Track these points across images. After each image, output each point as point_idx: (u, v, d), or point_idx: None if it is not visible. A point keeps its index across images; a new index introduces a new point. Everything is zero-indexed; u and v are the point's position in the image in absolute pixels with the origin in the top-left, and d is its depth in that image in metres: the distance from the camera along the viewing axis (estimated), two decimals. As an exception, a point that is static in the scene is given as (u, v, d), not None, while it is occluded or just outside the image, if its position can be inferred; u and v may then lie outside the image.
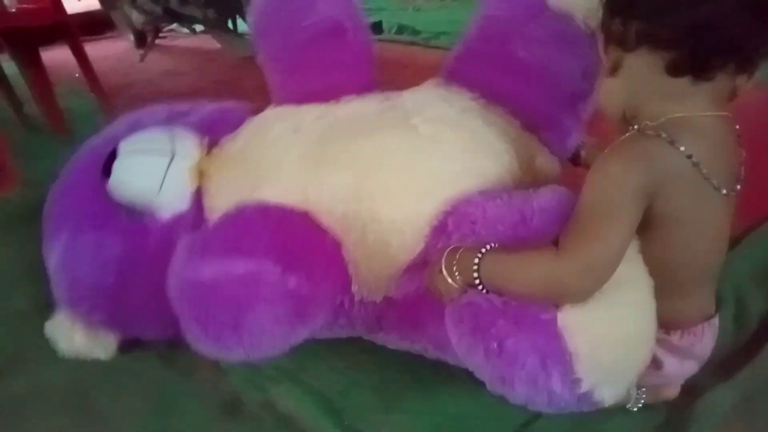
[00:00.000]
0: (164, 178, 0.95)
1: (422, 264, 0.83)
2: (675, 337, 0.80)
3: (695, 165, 0.69)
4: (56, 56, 2.41)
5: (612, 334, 0.67)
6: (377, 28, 3.51)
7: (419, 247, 0.83)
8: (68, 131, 2.09)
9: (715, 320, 0.84)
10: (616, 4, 0.71)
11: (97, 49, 2.61)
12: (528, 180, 0.93)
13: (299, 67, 0.99)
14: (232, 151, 1.00)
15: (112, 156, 0.96)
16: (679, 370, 0.83)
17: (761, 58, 0.68)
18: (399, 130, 0.90)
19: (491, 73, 0.97)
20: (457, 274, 0.74)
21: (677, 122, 0.70)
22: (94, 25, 3.89)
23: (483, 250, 0.72)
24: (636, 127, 0.71)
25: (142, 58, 3.45)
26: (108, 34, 4.12)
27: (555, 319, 0.66)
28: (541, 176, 0.98)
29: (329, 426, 0.87)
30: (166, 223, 0.96)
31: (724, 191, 0.71)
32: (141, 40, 3.69)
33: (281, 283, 0.75)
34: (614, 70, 0.72)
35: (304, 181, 0.89)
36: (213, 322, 0.75)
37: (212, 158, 1.00)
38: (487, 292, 0.72)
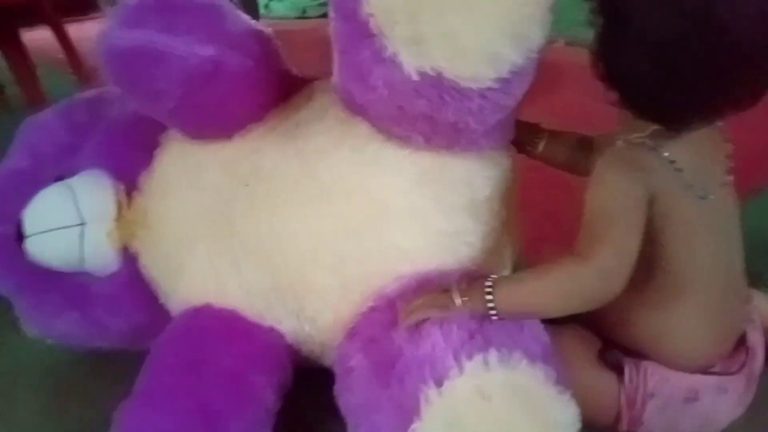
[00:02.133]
0: (82, 250, 0.83)
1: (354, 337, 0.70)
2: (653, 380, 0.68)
3: (678, 171, 0.64)
4: (39, 37, 2.25)
5: None
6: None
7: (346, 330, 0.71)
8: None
9: (730, 380, 0.69)
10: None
11: (80, 30, 2.58)
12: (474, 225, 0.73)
13: (181, 120, 0.78)
14: (151, 207, 0.83)
15: (20, 227, 0.84)
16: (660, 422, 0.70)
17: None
18: (307, 203, 0.71)
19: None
20: (467, 299, 0.64)
21: (661, 132, 0.64)
22: (77, 5, 3.85)
23: (489, 282, 0.65)
24: (620, 141, 0.67)
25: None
26: (92, 15, 4.08)
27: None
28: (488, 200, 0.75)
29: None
30: (103, 280, 0.87)
31: (711, 197, 0.66)
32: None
33: None
34: None
35: (223, 274, 0.76)
36: None
37: (135, 211, 0.84)
38: (499, 319, 0.64)
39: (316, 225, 0.71)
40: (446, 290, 0.65)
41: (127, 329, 0.89)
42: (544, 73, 0.68)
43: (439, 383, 0.57)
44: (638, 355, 0.70)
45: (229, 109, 0.76)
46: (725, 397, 0.69)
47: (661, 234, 0.65)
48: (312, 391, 0.82)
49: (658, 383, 0.68)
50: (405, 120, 0.65)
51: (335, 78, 0.70)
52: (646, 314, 0.68)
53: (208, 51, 0.69)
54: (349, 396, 0.65)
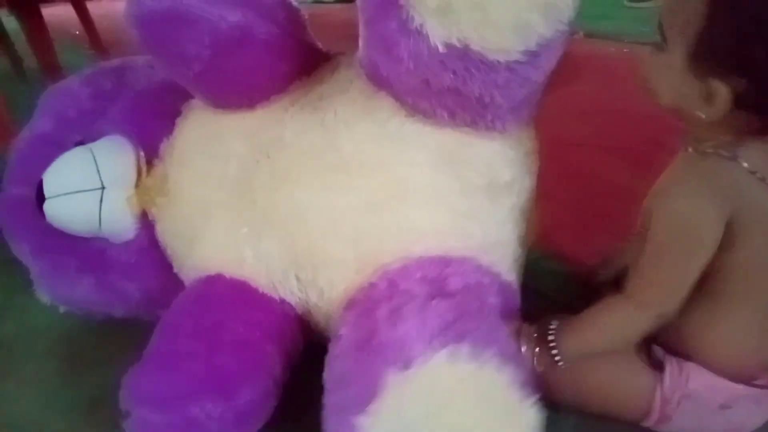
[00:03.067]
0: (100, 215, 0.84)
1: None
2: (695, 382, 0.66)
3: (762, 180, 0.60)
4: (57, 13, 2.27)
5: None
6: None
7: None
8: (67, 87, 2.14)
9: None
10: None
11: (97, 8, 2.61)
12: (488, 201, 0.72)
13: (208, 85, 0.77)
14: (170, 175, 0.84)
15: (41, 189, 0.84)
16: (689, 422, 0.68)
17: None
18: (329, 174, 0.71)
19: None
20: (534, 347, 0.67)
21: (732, 140, 0.60)
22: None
23: (552, 335, 0.66)
24: (690, 149, 0.63)
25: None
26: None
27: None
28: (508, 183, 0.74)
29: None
30: (119, 246, 0.88)
31: None
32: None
33: (226, 413, 0.68)
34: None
35: (241, 243, 0.75)
36: None
37: (155, 178, 0.85)
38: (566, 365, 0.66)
39: (337, 197, 0.70)
40: (518, 333, 0.67)
41: (142, 296, 0.90)
42: (563, 63, 0.68)
43: (404, 367, 0.57)
44: (682, 354, 0.68)
45: (255, 77, 0.75)
46: (757, 409, 0.68)
47: (738, 241, 0.61)
48: (315, 367, 0.84)
49: (700, 387, 0.66)
50: (431, 94, 0.64)
51: (361, 51, 0.70)
52: (700, 319, 0.66)
53: (237, 16, 0.68)
54: (332, 364, 0.65)
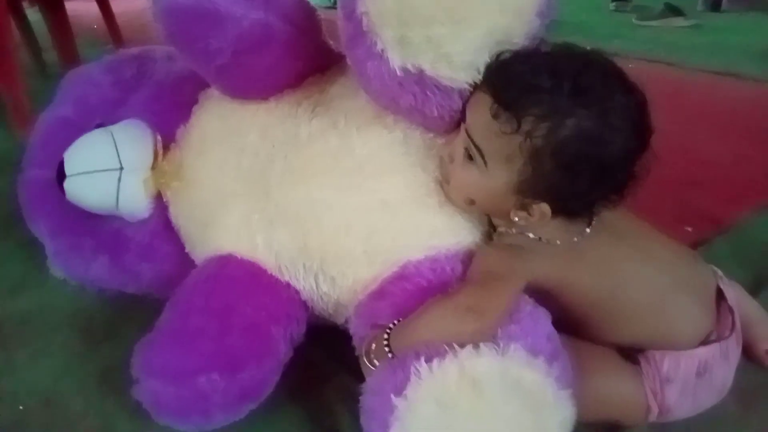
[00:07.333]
0: (117, 194, 0.88)
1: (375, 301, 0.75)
2: (665, 365, 0.72)
3: (548, 242, 0.71)
4: (77, 8, 2.33)
5: None
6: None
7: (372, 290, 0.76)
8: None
9: (727, 342, 0.73)
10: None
11: (115, 5, 2.70)
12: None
13: (227, 78, 0.81)
14: (186, 161, 0.88)
15: (62, 167, 0.89)
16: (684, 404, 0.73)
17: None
18: (344, 175, 0.76)
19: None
20: (374, 357, 0.69)
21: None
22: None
23: (390, 327, 0.69)
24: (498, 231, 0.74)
25: (160, 17, 3.63)
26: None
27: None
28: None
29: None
30: (135, 226, 0.92)
31: (575, 239, 0.72)
32: None
33: (231, 386, 0.71)
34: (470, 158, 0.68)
35: (253, 230, 0.79)
36: (170, 417, 0.74)
37: (171, 162, 0.89)
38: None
39: (351, 197, 0.75)
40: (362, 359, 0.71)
41: (154, 276, 0.93)
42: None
43: (429, 360, 0.62)
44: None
45: (272, 73, 0.79)
46: (727, 361, 0.73)
47: (571, 291, 0.73)
48: (325, 346, 0.88)
49: (671, 367, 0.71)
50: (400, 111, 0.71)
51: None
52: (620, 335, 0.75)
53: (259, 15, 0.73)
54: None
